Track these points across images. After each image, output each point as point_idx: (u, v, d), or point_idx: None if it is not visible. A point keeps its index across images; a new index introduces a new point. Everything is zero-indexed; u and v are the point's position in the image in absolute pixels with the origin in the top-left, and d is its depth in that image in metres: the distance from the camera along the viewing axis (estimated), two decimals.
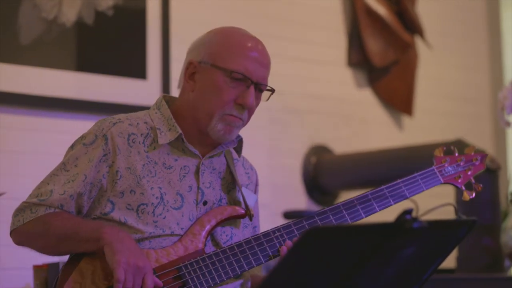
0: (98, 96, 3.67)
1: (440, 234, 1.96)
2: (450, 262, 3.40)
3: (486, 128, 5.36)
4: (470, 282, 3.57)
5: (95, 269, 2.11)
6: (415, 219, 1.71)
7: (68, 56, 3.62)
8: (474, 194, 2.46)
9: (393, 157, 4.22)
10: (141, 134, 2.23)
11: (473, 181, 2.48)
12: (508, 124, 3.63)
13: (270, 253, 2.22)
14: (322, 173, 4.41)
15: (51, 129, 3.55)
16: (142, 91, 3.79)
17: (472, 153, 2.50)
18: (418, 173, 2.40)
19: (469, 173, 2.48)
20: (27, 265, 3.21)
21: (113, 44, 3.76)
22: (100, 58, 3.72)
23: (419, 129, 4.97)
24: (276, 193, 4.25)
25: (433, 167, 2.43)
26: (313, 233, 1.69)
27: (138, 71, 3.81)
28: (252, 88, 2.21)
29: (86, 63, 3.67)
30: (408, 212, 1.72)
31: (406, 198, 2.36)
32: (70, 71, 3.61)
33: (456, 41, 5.35)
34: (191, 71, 2.25)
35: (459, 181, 2.46)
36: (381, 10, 4.75)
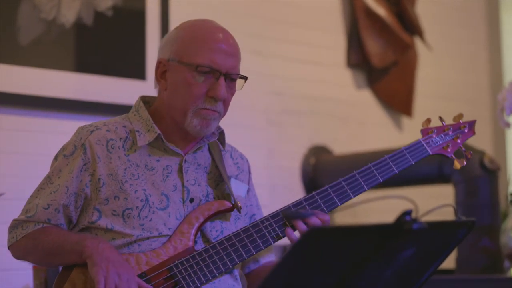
0: (97, 97, 3.67)
1: (440, 235, 1.96)
2: (449, 263, 3.40)
3: (485, 129, 5.36)
4: (470, 283, 3.57)
5: (87, 278, 2.12)
6: (414, 220, 1.71)
7: (67, 56, 3.62)
8: (465, 162, 2.40)
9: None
10: (120, 139, 2.23)
11: (463, 148, 2.43)
12: (507, 125, 3.63)
13: (261, 244, 2.21)
14: (321, 174, 4.41)
15: (50, 129, 3.55)
16: (141, 92, 3.73)
17: (460, 121, 2.46)
18: (405, 147, 2.36)
19: (458, 141, 2.43)
20: (26, 265, 3.20)
21: (112, 44, 3.76)
22: (99, 59, 3.72)
23: (418, 130, 4.96)
24: (275, 194, 4.25)
25: (420, 139, 2.40)
26: (313, 234, 1.69)
27: (137, 71, 3.81)
28: (222, 80, 2.20)
29: (85, 63, 3.67)
30: (407, 213, 1.71)
31: (395, 173, 2.32)
32: (69, 72, 3.61)
33: (456, 42, 5.36)
34: (161, 70, 2.25)
35: (449, 150, 2.41)
36: (381, 11, 4.75)
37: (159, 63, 2.26)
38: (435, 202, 2.04)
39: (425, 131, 2.42)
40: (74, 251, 2.12)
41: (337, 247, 1.73)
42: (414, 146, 2.38)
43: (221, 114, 2.24)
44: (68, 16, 3.62)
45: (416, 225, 1.71)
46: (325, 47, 4.65)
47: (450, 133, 2.43)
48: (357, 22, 4.69)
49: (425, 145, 2.39)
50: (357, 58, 4.72)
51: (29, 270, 3.17)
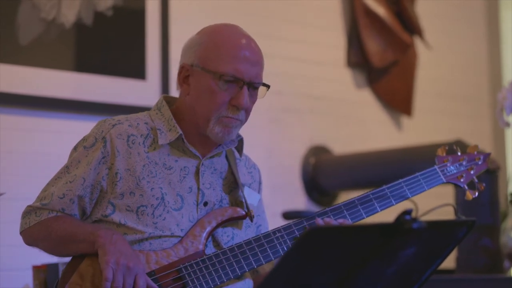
0: (97, 97, 3.67)
1: (440, 234, 1.96)
2: (449, 262, 3.39)
3: (485, 129, 5.36)
4: (470, 283, 3.57)
5: (95, 271, 2.12)
6: (414, 220, 1.71)
7: (67, 56, 3.62)
8: (477, 194, 2.44)
9: (392, 157, 4.22)
10: (141, 135, 2.23)
11: (476, 180, 2.46)
12: (507, 124, 3.63)
13: (271, 254, 2.22)
14: (321, 173, 4.41)
15: (50, 129, 3.55)
16: (141, 92, 3.79)
17: (475, 152, 2.49)
18: (420, 173, 2.39)
19: (471, 172, 2.46)
20: (26, 265, 3.21)
21: (112, 44, 3.76)
22: (99, 59, 3.72)
23: (418, 130, 4.97)
24: (275, 194, 4.25)
25: (435, 166, 2.42)
26: (314, 233, 1.69)
27: (137, 71, 3.81)
28: (245, 89, 2.20)
29: (85, 63, 3.67)
30: (407, 212, 1.72)
31: (408, 198, 2.35)
32: (69, 72, 3.61)
33: (455, 41, 5.36)
34: (184, 74, 2.25)
35: (462, 180, 2.44)
36: (380, 10, 4.75)
37: (182, 68, 2.25)
38: (435, 202, 2.03)
39: (441, 159, 2.44)
40: (87, 240, 2.12)
41: (338, 246, 1.73)
42: (429, 173, 2.41)
43: (242, 122, 2.25)
44: (68, 15, 3.62)
45: (416, 225, 1.71)
46: (325, 46, 4.65)
47: (464, 163, 2.46)
48: (357, 21, 4.69)
49: (439, 172, 2.42)
50: (357, 57, 4.72)
51: (29, 271, 3.17)
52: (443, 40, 5.22)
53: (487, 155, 2.50)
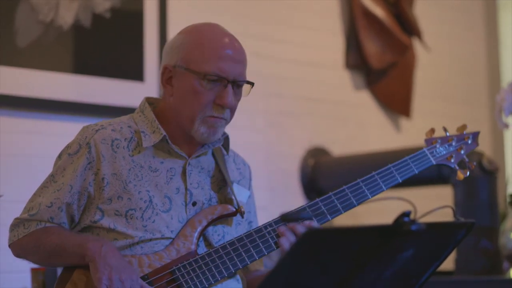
0: (96, 99, 3.67)
1: (438, 236, 1.95)
2: (448, 264, 3.39)
3: (484, 130, 5.35)
4: (469, 284, 3.57)
5: (88, 280, 2.12)
6: (413, 221, 1.71)
7: (66, 58, 3.62)
8: (468, 173, 2.42)
9: (391, 159, 4.20)
10: (125, 139, 2.22)
11: (466, 159, 2.44)
12: (506, 126, 3.63)
13: (264, 249, 2.21)
14: (320, 175, 4.41)
15: (48, 131, 3.55)
16: (140, 94, 3.76)
17: (464, 132, 2.47)
18: (409, 156, 2.38)
19: (461, 151, 2.44)
20: (24, 268, 3.20)
21: (110, 46, 3.76)
22: (98, 61, 3.72)
23: (417, 131, 4.96)
24: (274, 196, 4.25)
25: (424, 148, 2.41)
26: (311, 236, 1.69)
27: (135, 73, 3.80)
28: (229, 88, 2.19)
29: (83, 65, 3.67)
30: (406, 214, 1.71)
31: (398, 182, 2.34)
32: (67, 74, 3.61)
33: (454, 43, 5.36)
34: (167, 76, 2.24)
35: (452, 160, 2.42)
36: (379, 12, 4.75)
37: (165, 69, 2.24)
38: (434, 203, 2.03)
39: (429, 141, 2.44)
40: (76, 253, 2.11)
41: (336, 248, 1.73)
42: (418, 156, 2.40)
43: (228, 121, 2.24)
44: (66, 18, 3.62)
45: (414, 226, 1.71)
46: (323, 48, 4.65)
47: (453, 143, 2.44)
48: (355, 23, 4.69)
49: (429, 154, 2.41)
50: (356, 59, 4.72)
51: (27, 273, 3.17)
52: (441, 42, 5.22)
53: (476, 134, 2.47)
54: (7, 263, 3.33)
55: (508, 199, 3.81)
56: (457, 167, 2.42)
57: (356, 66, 4.74)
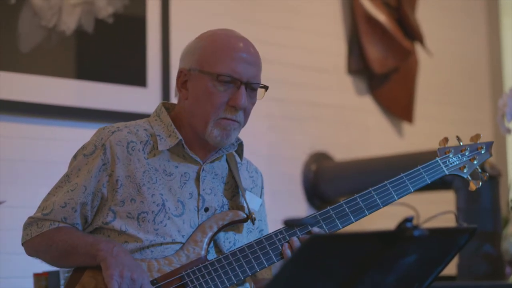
0: (98, 104, 3.67)
1: (441, 241, 1.95)
2: (451, 269, 3.40)
3: (486, 135, 5.35)
4: None
5: (97, 283, 2.12)
6: (415, 227, 1.71)
7: (68, 64, 3.62)
8: (480, 184, 2.38)
9: (393, 164, 4.22)
10: (141, 142, 2.22)
11: (479, 170, 2.41)
12: (508, 131, 3.63)
13: (274, 257, 2.20)
14: (323, 180, 4.41)
15: (51, 137, 3.55)
16: (142, 99, 3.79)
17: (478, 142, 2.43)
18: (422, 166, 2.35)
19: (475, 162, 2.41)
20: (27, 273, 3.20)
21: (113, 51, 3.76)
22: (100, 66, 3.72)
23: (419, 136, 4.97)
24: (276, 200, 4.25)
25: (437, 158, 2.38)
26: (314, 241, 1.69)
27: (138, 78, 3.81)
28: (242, 89, 2.19)
29: (86, 71, 3.67)
30: (408, 219, 1.71)
31: (410, 192, 2.31)
32: (70, 79, 3.61)
33: (456, 48, 5.36)
34: (182, 79, 2.25)
35: (465, 171, 2.39)
36: (381, 17, 4.75)
37: (180, 73, 2.25)
38: (436, 209, 2.03)
39: (442, 150, 2.40)
40: (88, 253, 2.11)
41: (338, 254, 1.73)
42: (431, 165, 2.36)
43: (242, 124, 2.24)
44: (69, 23, 3.62)
45: (417, 232, 1.70)
46: (325, 53, 4.65)
47: (467, 153, 2.41)
48: (357, 28, 4.69)
49: (441, 164, 2.38)
50: (358, 64, 4.72)
51: (30, 278, 3.17)
52: (444, 46, 5.22)
53: (490, 144, 2.43)
54: (10, 268, 3.34)
55: (510, 204, 3.82)
56: (469, 178, 2.40)
57: (358, 71, 4.74)
